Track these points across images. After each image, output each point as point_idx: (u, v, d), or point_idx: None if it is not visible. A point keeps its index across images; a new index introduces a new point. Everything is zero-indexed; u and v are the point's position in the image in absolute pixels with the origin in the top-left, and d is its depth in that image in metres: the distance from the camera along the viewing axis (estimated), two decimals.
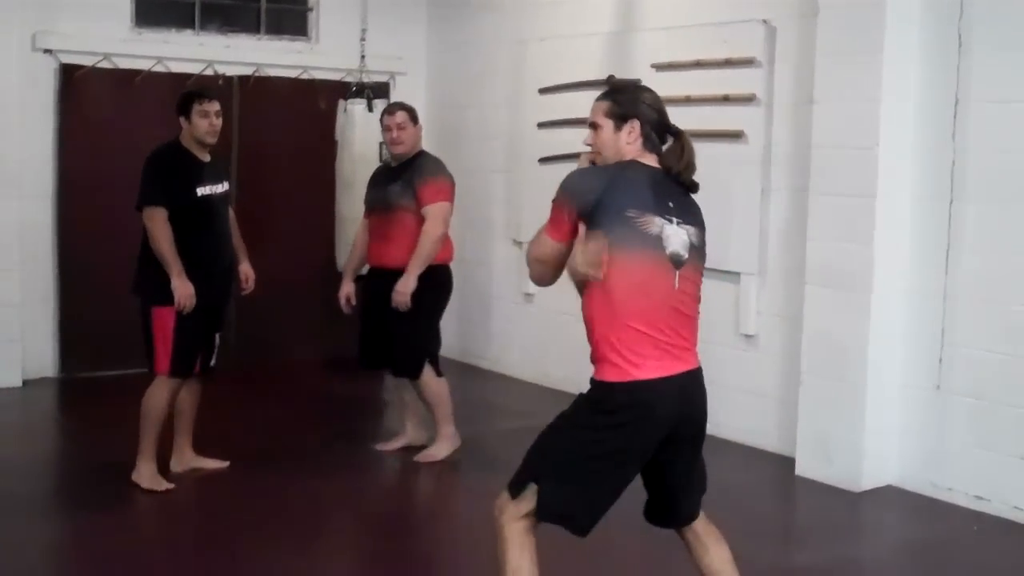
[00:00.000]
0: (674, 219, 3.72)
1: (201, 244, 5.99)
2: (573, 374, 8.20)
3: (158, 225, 5.85)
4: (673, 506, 3.97)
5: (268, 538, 5.43)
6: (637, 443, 3.69)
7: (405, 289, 6.41)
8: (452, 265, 6.77)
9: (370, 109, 7.86)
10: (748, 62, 6.99)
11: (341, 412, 8.03)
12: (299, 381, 8.93)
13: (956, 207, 6.06)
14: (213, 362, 6.25)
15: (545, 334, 8.52)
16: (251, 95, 9.14)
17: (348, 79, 8.73)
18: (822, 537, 5.67)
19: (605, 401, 3.68)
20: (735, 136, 7.05)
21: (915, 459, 6.27)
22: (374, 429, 7.47)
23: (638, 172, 3.78)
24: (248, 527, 5.59)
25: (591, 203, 3.66)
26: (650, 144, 3.85)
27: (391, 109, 6.74)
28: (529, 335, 8.78)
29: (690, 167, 3.85)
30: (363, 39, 8.21)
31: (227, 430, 7.30)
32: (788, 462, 6.64)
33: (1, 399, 7.95)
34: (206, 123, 6.04)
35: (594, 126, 3.90)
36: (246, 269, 6.44)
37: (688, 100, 7.26)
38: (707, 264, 6.70)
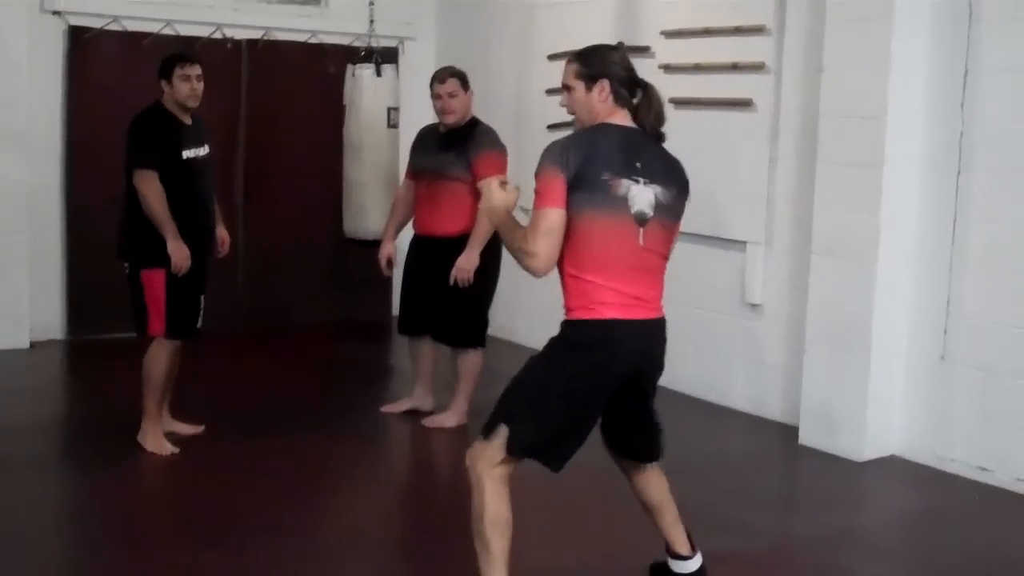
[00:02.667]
0: (640, 179, 3.92)
1: (187, 206, 5.97)
2: None
3: (151, 187, 5.83)
4: (635, 445, 4.25)
5: (273, 499, 5.45)
6: (601, 379, 3.91)
7: (469, 266, 6.37)
8: None
9: (378, 74, 7.80)
10: (758, 30, 6.95)
11: (347, 376, 8.03)
12: (305, 345, 8.93)
13: (964, 177, 6.03)
14: (200, 324, 6.21)
15: (551, 300, 8.47)
16: (260, 59, 9.10)
17: (357, 44, 8.66)
18: (824, 506, 5.68)
19: (573, 336, 3.91)
20: (744, 104, 7.01)
21: (919, 429, 6.27)
22: (380, 392, 7.47)
23: (610, 135, 3.96)
24: (253, 488, 5.60)
25: (575, 171, 3.83)
26: (621, 100, 4.05)
27: (441, 75, 6.55)
28: (535, 301, 8.77)
29: (660, 117, 4.07)
30: (372, 3, 8.13)
31: (232, 393, 7.33)
32: (792, 431, 6.64)
33: (9, 361, 7.95)
34: (187, 87, 6.00)
35: (567, 88, 4.09)
36: (222, 233, 6.40)
37: (697, 68, 7.23)
38: (715, 232, 6.67)
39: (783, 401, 6.92)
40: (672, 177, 4.06)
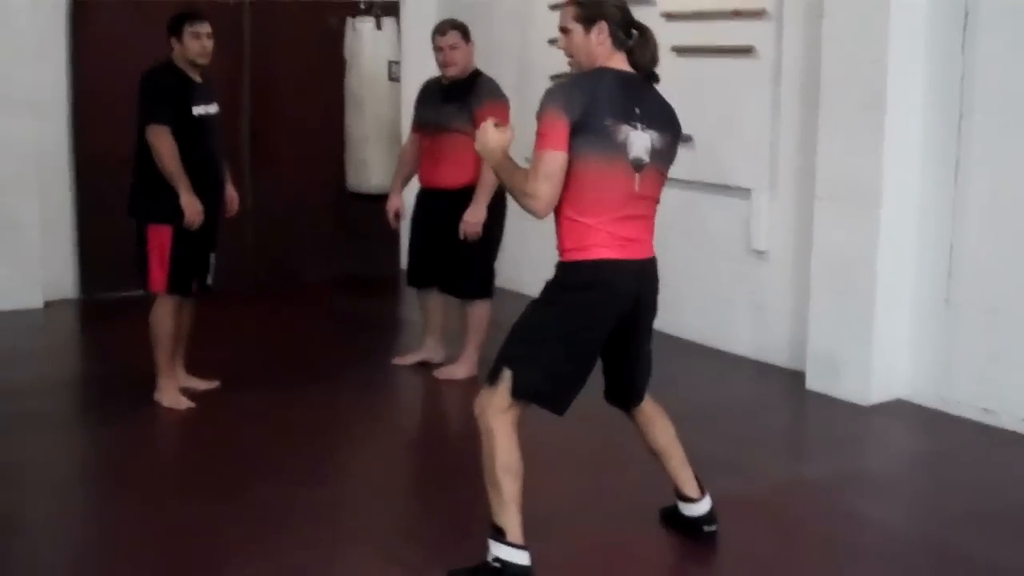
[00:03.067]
0: (638, 124, 3.97)
1: (199, 163, 5.99)
2: None
3: (164, 142, 5.84)
4: (628, 386, 4.31)
5: (287, 449, 5.52)
6: (599, 318, 3.98)
7: (476, 219, 6.41)
8: None
9: (379, 27, 7.81)
10: None
11: (358, 329, 8.09)
12: (315, 299, 8.99)
13: (966, 121, 6.03)
14: (210, 281, 6.26)
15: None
16: (262, 16, 9.11)
17: None
18: (831, 450, 5.73)
19: (569, 277, 3.98)
20: (745, 52, 7.01)
21: (924, 373, 6.31)
22: (391, 345, 7.53)
23: (611, 80, 3.98)
24: (267, 440, 5.66)
25: (579, 115, 3.86)
26: (618, 43, 4.07)
27: (442, 28, 6.59)
28: (541, 252, 8.79)
29: (655, 59, 4.12)
30: None
31: (246, 349, 7.40)
32: (798, 377, 6.69)
33: (23, 321, 8.01)
34: (198, 44, 6.01)
35: (564, 31, 4.10)
36: (231, 192, 6.41)
37: (698, 15, 7.23)
38: (719, 180, 6.68)
39: (789, 347, 6.97)
40: (667, 123, 4.11)
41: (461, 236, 6.44)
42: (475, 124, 6.30)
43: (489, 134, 4.02)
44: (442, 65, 6.57)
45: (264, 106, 9.17)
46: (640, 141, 3.98)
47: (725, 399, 6.54)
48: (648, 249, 4.10)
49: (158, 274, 5.98)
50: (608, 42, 4.05)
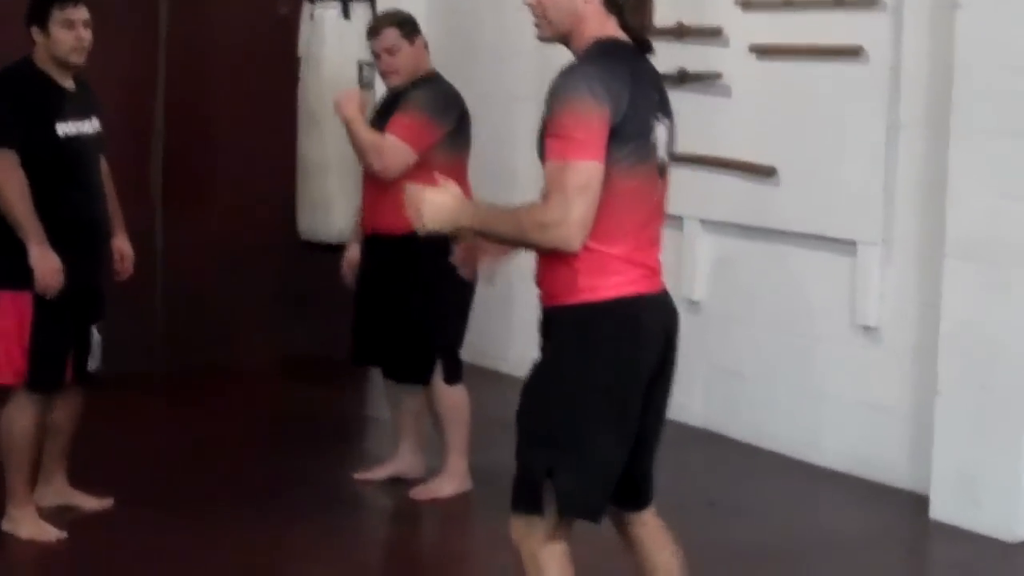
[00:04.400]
0: (660, 115, 4.08)
1: (64, 203, 5.94)
2: None
3: (10, 175, 5.79)
4: (638, 472, 4.24)
5: None
6: (638, 374, 4.03)
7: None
8: None
9: (346, 16, 7.89)
10: None
11: (306, 430, 8.08)
12: (248, 389, 9.04)
13: None
14: (95, 365, 6.24)
15: None
16: None
17: None
18: None
19: (590, 326, 3.98)
20: (851, 53, 7.06)
21: None
22: (352, 453, 7.57)
23: (630, 59, 4.03)
24: None
25: (624, 112, 3.89)
26: (610, 3, 4.05)
27: (375, 28, 6.74)
28: (529, 316, 8.80)
29: (651, 24, 4.24)
30: None
31: (145, 455, 7.38)
32: (920, 502, 6.71)
33: None
34: (72, 36, 5.97)
35: None
36: (121, 245, 6.40)
37: (788, 3, 7.28)
38: (813, 230, 6.73)
39: (908, 461, 6.98)
40: (668, 105, 4.19)
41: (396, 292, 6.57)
42: None
43: (431, 200, 4.04)
44: (381, 75, 6.77)
45: (184, 122, 9.22)
46: (662, 137, 4.09)
47: (823, 531, 6.53)
48: (661, 281, 4.19)
49: (13, 361, 5.90)
50: (599, 1, 4.05)
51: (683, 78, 7.74)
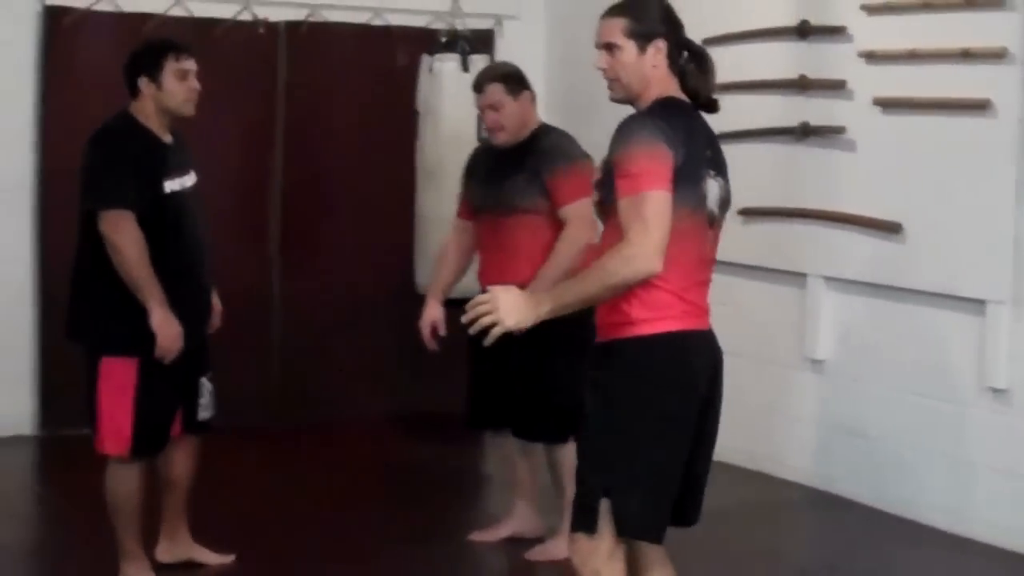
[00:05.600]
0: (711, 171, 4.38)
1: (173, 260, 5.88)
2: (748, 442, 8.15)
3: (128, 235, 5.72)
4: (690, 496, 4.48)
5: None
6: (689, 403, 4.31)
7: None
8: None
9: (465, 68, 7.90)
10: (997, 3, 6.90)
11: (422, 488, 8.07)
12: (364, 444, 9.03)
13: None
14: (208, 414, 6.20)
15: None
16: (303, 48, 9.24)
17: (437, 26, 8.76)
18: None
19: (642, 357, 4.28)
20: (979, 107, 6.95)
21: None
22: (468, 512, 7.51)
23: (690, 116, 4.40)
24: None
25: (683, 158, 4.22)
26: (675, 67, 4.45)
27: (477, 83, 6.71)
28: None
29: (713, 88, 4.50)
30: None
31: (262, 508, 7.39)
32: None
33: None
34: (184, 87, 5.93)
35: (610, 48, 4.43)
36: (213, 300, 6.34)
37: (913, 56, 7.19)
38: (940, 288, 6.65)
39: None
40: (725, 166, 4.50)
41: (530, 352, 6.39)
42: (551, 199, 6.43)
43: (503, 302, 4.22)
44: (488, 132, 6.70)
45: (302, 173, 9.26)
46: (713, 191, 4.38)
47: None
48: (708, 320, 4.46)
49: (113, 430, 5.85)
50: (665, 64, 4.43)
51: (805, 132, 7.68)
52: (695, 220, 4.28)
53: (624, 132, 4.24)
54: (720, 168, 4.43)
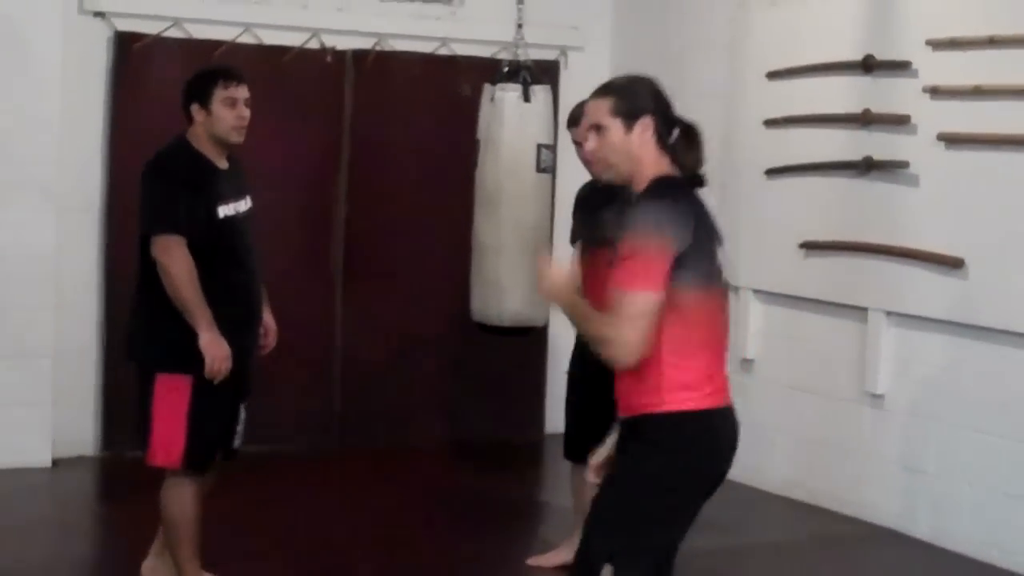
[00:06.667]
0: (719, 243, 4.42)
1: (225, 285, 5.92)
2: (801, 474, 8.11)
3: (177, 259, 5.77)
4: (670, 560, 4.49)
5: None
6: (704, 485, 4.37)
7: None
8: None
9: (526, 98, 7.88)
10: None
11: (480, 514, 8.06)
12: (421, 470, 9.00)
13: None
14: (237, 443, 6.19)
15: (765, 416, 8.42)
16: (370, 76, 9.27)
17: (500, 56, 8.76)
18: None
19: (666, 435, 4.30)
20: None
21: None
22: (526, 538, 7.52)
23: (690, 193, 4.40)
24: None
25: (688, 242, 4.21)
26: (663, 143, 4.43)
27: (573, 114, 6.68)
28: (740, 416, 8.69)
29: (702, 161, 4.49)
30: (521, 1, 8.22)
31: (320, 535, 7.38)
32: None
33: (25, 483, 8.11)
34: (233, 115, 5.94)
35: (598, 129, 4.44)
36: (266, 319, 6.32)
37: (978, 92, 7.16)
38: (1002, 324, 6.61)
39: None
40: (720, 234, 4.48)
41: None
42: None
43: (552, 274, 4.42)
44: (588, 167, 6.59)
45: (366, 201, 9.29)
46: (724, 262, 4.43)
47: None
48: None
49: (166, 444, 5.88)
50: (653, 141, 4.41)
51: (869, 166, 7.66)
52: (713, 297, 4.33)
53: (631, 222, 4.27)
54: (719, 237, 4.44)
